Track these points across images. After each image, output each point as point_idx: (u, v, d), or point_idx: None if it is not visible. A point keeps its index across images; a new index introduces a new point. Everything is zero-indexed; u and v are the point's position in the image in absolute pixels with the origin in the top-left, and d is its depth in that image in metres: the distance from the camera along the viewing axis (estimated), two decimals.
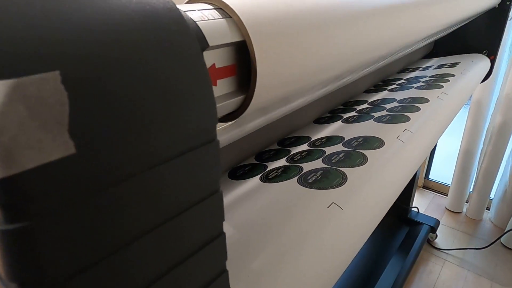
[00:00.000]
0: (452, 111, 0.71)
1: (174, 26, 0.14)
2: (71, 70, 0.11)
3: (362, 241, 0.40)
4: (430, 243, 1.52)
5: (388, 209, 0.47)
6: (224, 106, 0.22)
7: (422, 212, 1.61)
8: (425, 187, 1.91)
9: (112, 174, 0.12)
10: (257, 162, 0.54)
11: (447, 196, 1.76)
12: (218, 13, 0.21)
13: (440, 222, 1.64)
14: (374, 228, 0.49)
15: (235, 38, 0.20)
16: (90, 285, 0.12)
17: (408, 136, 0.55)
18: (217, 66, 0.21)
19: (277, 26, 0.22)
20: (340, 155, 0.49)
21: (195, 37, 0.15)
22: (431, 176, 1.90)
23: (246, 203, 0.41)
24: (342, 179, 0.43)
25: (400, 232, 1.47)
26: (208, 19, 0.20)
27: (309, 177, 0.44)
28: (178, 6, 0.17)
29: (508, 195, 1.52)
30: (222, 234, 0.20)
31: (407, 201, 1.50)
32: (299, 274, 0.31)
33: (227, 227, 0.36)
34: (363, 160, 0.48)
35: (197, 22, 0.19)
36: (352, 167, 0.46)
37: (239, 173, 0.51)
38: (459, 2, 0.64)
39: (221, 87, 0.22)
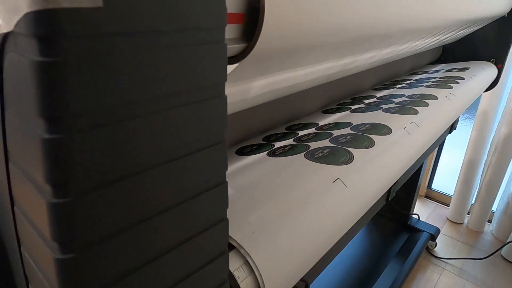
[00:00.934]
0: (457, 112, 0.74)
1: None
2: None
3: (358, 217, 0.42)
4: (429, 251, 1.54)
5: (384, 192, 0.50)
6: (228, 49, 0.25)
7: (423, 220, 1.62)
8: (427, 196, 1.93)
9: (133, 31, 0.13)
10: (264, 142, 0.57)
11: (448, 206, 1.78)
12: None
13: (441, 232, 1.65)
14: (370, 207, 0.52)
15: None
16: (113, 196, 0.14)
17: (414, 128, 0.58)
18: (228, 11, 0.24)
19: None
20: (348, 137, 0.52)
21: None
22: (433, 186, 1.92)
23: (253, 171, 0.43)
24: (349, 158, 0.46)
25: (400, 238, 1.48)
26: None
27: (316, 153, 0.47)
28: None
29: (511, 208, 1.54)
30: (224, 183, 0.22)
31: (408, 208, 1.52)
32: (297, 232, 0.34)
33: (233, 188, 0.39)
34: (370, 143, 0.51)
35: None
36: (359, 148, 0.49)
37: (247, 150, 0.54)
38: (470, 2, 0.68)
39: (228, 31, 0.24)
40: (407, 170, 0.89)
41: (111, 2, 0.12)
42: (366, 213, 0.74)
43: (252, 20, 0.25)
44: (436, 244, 1.56)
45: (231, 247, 0.32)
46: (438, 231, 1.53)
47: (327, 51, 0.37)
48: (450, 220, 1.75)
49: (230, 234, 0.30)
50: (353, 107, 0.71)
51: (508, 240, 1.49)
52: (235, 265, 0.31)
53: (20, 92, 0.13)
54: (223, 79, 0.18)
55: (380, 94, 0.79)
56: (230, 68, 0.26)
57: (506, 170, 1.54)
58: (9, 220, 0.17)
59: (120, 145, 0.14)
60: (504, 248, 1.51)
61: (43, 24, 0.11)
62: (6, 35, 0.13)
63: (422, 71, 1.08)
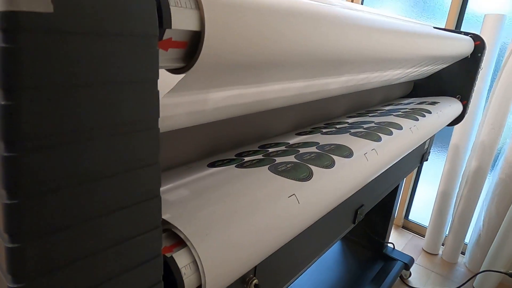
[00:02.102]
0: (414, 145, 0.78)
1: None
2: None
3: (297, 233, 0.45)
4: (403, 280, 1.55)
5: (326, 212, 0.52)
6: (169, 65, 0.28)
7: (398, 249, 1.65)
8: (404, 227, 1.96)
9: (75, 35, 0.17)
10: (236, 157, 0.60)
11: (424, 237, 1.81)
12: (190, 3, 0.27)
13: (416, 262, 1.67)
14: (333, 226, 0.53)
15: (194, 28, 0.27)
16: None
17: (373, 156, 0.62)
18: (173, 39, 0.27)
19: (229, 22, 0.29)
20: (312, 155, 0.56)
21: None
22: (410, 217, 1.96)
23: (216, 178, 0.46)
24: (308, 175, 0.49)
25: (375, 265, 1.50)
26: (181, 6, 0.26)
27: (280, 166, 0.51)
28: None
29: (482, 241, 1.58)
30: (157, 163, 0.25)
31: (383, 236, 1.55)
32: (241, 234, 0.36)
33: (192, 188, 0.42)
34: (331, 163, 0.54)
35: (170, 7, 0.25)
36: (320, 167, 0.52)
37: (218, 163, 0.57)
38: (427, 43, 0.75)
39: (171, 53, 0.28)
40: (375, 196, 0.93)
41: (59, 9, 0.16)
42: (331, 233, 0.76)
43: (195, 41, 0.29)
44: (410, 274, 1.57)
45: (182, 244, 0.34)
46: (412, 260, 1.55)
47: (276, 73, 0.41)
48: (426, 251, 1.77)
49: (180, 227, 0.32)
50: (324, 130, 0.75)
51: (478, 271, 1.52)
52: (183, 263, 0.33)
53: None
54: (156, 75, 0.21)
55: (352, 121, 0.84)
56: (178, 77, 0.30)
57: (476, 203, 1.60)
58: None
59: (63, 113, 0.18)
60: (476, 279, 1.54)
61: (6, 21, 0.15)
62: None
63: (396, 102, 1.14)
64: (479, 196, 1.58)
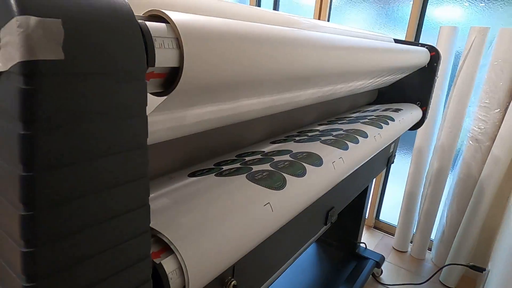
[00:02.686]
0: (377, 151, 0.85)
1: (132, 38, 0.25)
2: (65, 21, 0.21)
3: (264, 237, 0.49)
4: (375, 278, 1.63)
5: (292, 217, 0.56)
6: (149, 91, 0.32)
7: (370, 249, 1.73)
8: (375, 227, 2.06)
9: (82, 76, 0.21)
10: (215, 167, 0.64)
11: (394, 236, 1.91)
12: (172, 43, 0.31)
13: (387, 260, 1.76)
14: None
15: (174, 65, 0.31)
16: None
17: (339, 165, 0.68)
18: (155, 72, 0.31)
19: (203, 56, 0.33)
20: (286, 163, 0.61)
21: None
22: (381, 217, 2.06)
23: (196, 185, 0.50)
24: (282, 183, 0.54)
25: (349, 265, 1.57)
26: (163, 47, 0.30)
27: (256, 175, 0.55)
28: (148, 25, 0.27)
29: (445, 237, 1.69)
30: (145, 177, 0.28)
31: (356, 236, 1.62)
32: (219, 237, 0.40)
33: (174, 197, 0.45)
34: (303, 171, 0.59)
35: (155, 49, 0.29)
36: (293, 175, 0.57)
37: (198, 173, 0.60)
38: (386, 56, 0.82)
39: (152, 82, 0.32)
40: (344, 198, 0.99)
41: (69, 56, 0.20)
42: (305, 234, 0.81)
43: (173, 73, 0.32)
44: (382, 271, 1.66)
45: (169, 250, 0.38)
46: (383, 258, 1.63)
47: (248, 91, 0.46)
48: (395, 249, 1.87)
49: (164, 233, 0.36)
50: (297, 138, 0.80)
51: (443, 265, 1.62)
52: (171, 268, 0.36)
53: (6, 107, 0.20)
54: (144, 102, 0.25)
55: (323, 128, 0.90)
56: (161, 99, 0.34)
57: (440, 201, 1.71)
58: None
59: (71, 139, 0.21)
60: (441, 273, 1.64)
61: (26, 68, 0.19)
62: (1, 73, 0.20)
63: (363, 110, 1.22)
64: (441, 195, 1.70)
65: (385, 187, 2.02)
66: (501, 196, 1.53)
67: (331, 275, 1.51)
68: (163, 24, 0.29)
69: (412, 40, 1.74)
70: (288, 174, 0.56)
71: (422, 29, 1.73)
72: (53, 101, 0.20)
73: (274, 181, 0.51)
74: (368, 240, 1.93)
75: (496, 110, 1.46)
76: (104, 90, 0.22)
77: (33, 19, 0.18)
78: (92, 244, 0.24)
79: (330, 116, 1.10)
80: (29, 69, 0.18)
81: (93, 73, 0.21)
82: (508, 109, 1.42)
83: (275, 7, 2.21)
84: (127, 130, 0.24)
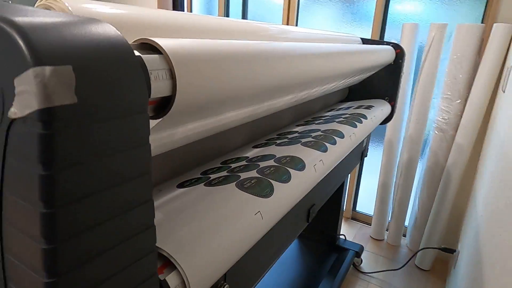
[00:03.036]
0: (352, 148, 0.90)
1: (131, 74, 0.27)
2: (75, 66, 0.23)
3: (254, 243, 0.52)
4: (356, 267, 1.70)
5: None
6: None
7: (350, 240, 1.80)
8: (353, 218, 2.14)
9: (98, 114, 0.23)
10: (202, 176, 0.66)
11: (371, 225, 2.00)
12: (166, 74, 0.33)
13: (366, 249, 1.85)
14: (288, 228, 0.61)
15: (166, 94, 0.33)
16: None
17: (320, 167, 0.72)
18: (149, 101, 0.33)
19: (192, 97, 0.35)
20: (271, 169, 0.63)
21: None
22: (358, 208, 2.15)
23: (188, 198, 0.52)
24: (270, 191, 0.57)
25: (330, 257, 1.63)
26: (158, 79, 0.32)
27: (245, 183, 0.57)
28: (144, 57, 0.29)
29: (418, 222, 1.79)
30: (150, 200, 0.30)
31: (335, 229, 1.69)
32: (216, 244, 0.43)
33: (167, 210, 0.47)
34: (288, 177, 0.62)
35: (151, 82, 0.31)
36: (279, 181, 0.60)
37: (186, 184, 0.62)
38: (355, 58, 0.87)
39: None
40: (324, 194, 1.04)
41: (81, 99, 0.22)
42: (289, 233, 0.85)
43: (165, 100, 0.35)
44: (361, 261, 1.73)
45: (171, 265, 0.40)
46: (362, 248, 1.71)
47: (232, 106, 0.48)
48: (373, 238, 1.96)
49: (163, 247, 0.38)
50: (278, 141, 0.83)
51: (417, 250, 1.72)
52: (174, 284, 0.38)
53: (23, 149, 0.21)
54: (147, 132, 0.27)
55: (301, 129, 0.93)
56: (152, 122, 0.36)
57: (411, 190, 1.81)
58: None
59: (85, 174, 0.23)
60: (416, 257, 1.75)
61: (44, 115, 0.20)
62: (15, 118, 0.21)
63: (337, 108, 1.27)
64: (412, 184, 1.80)
65: (360, 179, 2.10)
66: (466, 181, 1.64)
67: (314, 269, 1.57)
68: (157, 56, 0.31)
69: (378, 35, 1.82)
70: (275, 180, 0.59)
71: (387, 25, 1.82)
72: (69, 142, 0.21)
73: (262, 189, 0.54)
74: (346, 231, 2.01)
75: (457, 101, 1.57)
76: (112, 126, 0.24)
77: (47, 69, 0.20)
78: (105, 238, 0.26)
79: (306, 116, 1.15)
80: (47, 115, 0.20)
81: (102, 112, 0.23)
82: (468, 100, 1.52)
83: (244, 7, 2.23)
84: (135, 160, 0.26)
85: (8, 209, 0.23)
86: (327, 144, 0.77)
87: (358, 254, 1.66)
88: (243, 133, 0.84)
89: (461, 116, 1.56)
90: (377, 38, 1.83)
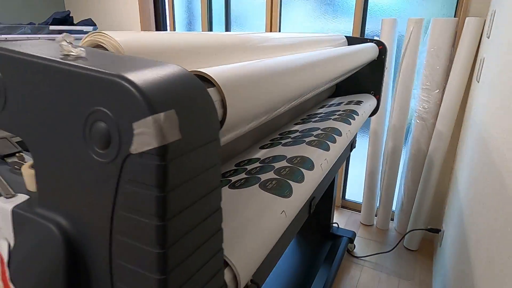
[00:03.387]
0: (346, 145, 0.99)
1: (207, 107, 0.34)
2: (177, 110, 0.29)
3: (278, 238, 0.60)
4: (350, 252, 1.81)
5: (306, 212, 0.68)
6: None
7: (342, 227, 1.92)
8: (343, 206, 2.26)
9: (192, 144, 0.30)
10: (222, 179, 0.72)
11: (360, 212, 2.12)
12: (219, 104, 0.40)
13: (357, 234, 1.96)
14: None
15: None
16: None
17: (325, 165, 0.80)
18: None
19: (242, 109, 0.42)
20: (287, 169, 0.70)
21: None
22: (347, 197, 2.26)
23: (223, 202, 0.58)
24: (289, 191, 0.64)
25: (325, 245, 1.73)
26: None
27: (267, 184, 0.64)
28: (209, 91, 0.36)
29: (405, 206, 1.93)
30: (220, 208, 0.37)
31: (328, 218, 1.79)
32: (251, 244, 0.50)
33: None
34: (302, 178, 0.70)
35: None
36: (296, 182, 0.67)
37: None
38: (348, 60, 0.95)
39: None
40: (322, 187, 1.13)
41: (183, 135, 0.28)
42: (294, 226, 0.93)
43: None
44: (354, 246, 1.85)
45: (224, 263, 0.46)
46: (355, 234, 1.82)
47: (263, 116, 0.55)
48: (363, 224, 2.08)
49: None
50: (283, 141, 0.91)
51: (405, 232, 1.86)
52: (228, 279, 0.45)
53: (139, 177, 0.27)
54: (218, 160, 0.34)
55: (301, 128, 1.01)
56: None
57: (397, 176, 1.93)
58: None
59: (188, 190, 0.30)
60: (405, 239, 1.88)
61: (161, 150, 0.27)
62: (130, 153, 0.27)
63: (328, 104, 1.36)
64: (398, 170, 1.92)
65: (348, 169, 2.22)
66: (447, 165, 1.78)
67: (311, 258, 1.66)
68: (213, 89, 0.37)
69: (359, 29, 1.92)
70: (291, 180, 0.67)
71: (367, 19, 1.91)
72: (175, 170, 0.27)
73: (283, 190, 0.61)
74: (337, 219, 2.12)
75: (436, 91, 1.69)
76: (199, 153, 0.30)
77: (162, 115, 0.26)
78: (196, 238, 0.33)
79: (300, 113, 1.22)
80: (163, 151, 0.26)
81: (194, 142, 0.29)
82: (446, 89, 1.65)
83: (227, 6, 2.27)
84: (212, 177, 0.32)
85: (120, 223, 0.29)
86: (328, 143, 0.85)
87: (351, 240, 1.78)
88: (248, 135, 0.90)
89: (440, 105, 1.69)
90: (358, 31, 1.93)
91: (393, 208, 2.05)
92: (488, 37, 1.35)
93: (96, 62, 0.30)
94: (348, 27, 1.97)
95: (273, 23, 2.13)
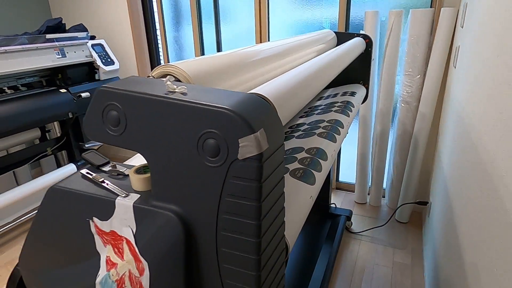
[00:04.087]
0: (345, 136, 1.15)
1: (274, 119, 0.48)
2: (264, 128, 0.44)
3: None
4: (348, 229, 2.01)
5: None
6: None
7: (339, 207, 2.11)
8: (338, 188, 2.45)
9: (272, 150, 0.45)
10: None
11: (354, 192, 2.31)
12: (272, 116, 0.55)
13: (353, 212, 2.16)
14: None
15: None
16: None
17: (333, 155, 0.96)
18: None
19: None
20: (308, 160, 0.86)
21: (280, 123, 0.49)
22: (340, 179, 2.46)
23: None
24: (314, 179, 0.79)
25: (325, 225, 1.92)
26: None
27: (296, 173, 0.79)
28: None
29: (395, 183, 2.13)
30: (283, 193, 0.53)
31: (327, 200, 1.98)
32: (293, 223, 0.65)
33: None
34: (321, 167, 0.85)
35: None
36: (316, 171, 0.82)
37: None
38: (345, 58, 1.11)
39: None
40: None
41: (270, 145, 0.43)
42: None
43: None
44: (352, 223, 2.05)
45: None
46: (351, 212, 2.02)
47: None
48: (357, 202, 2.28)
49: None
50: (295, 134, 1.06)
51: (397, 207, 2.06)
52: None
53: (242, 174, 0.42)
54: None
55: (307, 120, 1.16)
56: None
57: (386, 156, 2.13)
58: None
59: (271, 181, 0.45)
60: (396, 213, 2.09)
61: (259, 156, 0.41)
62: (237, 159, 0.42)
63: (324, 96, 1.51)
64: (386, 151, 2.11)
65: (340, 153, 2.40)
66: (431, 143, 1.98)
67: (314, 236, 1.85)
68: (271, 107, 0.52)
69: (344, 18, 2.07)
70: (313, 170, 0.82)
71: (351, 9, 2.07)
72: (265, 169, 0.42)
73: (309, 178, 0.77)
74: (334, 200, 2.32)
75: (418, 76, 1.87)
76: (276, 156, 0.45)
77: (258, 133, 0.40)
78: (274, 214, 0.48)
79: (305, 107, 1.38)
80: (260, 156, 0.41)
81: (273, 149, 0.44)
82: (426, 75, 1.83)
83: (216, 4, 2.38)
84: (280, 174, 0.47)
85: (225, 206, 0.44)
86: (334, 134, 1.01)
87: (348, 218, 1.97)
88: None
89: (422, 89, 1.87)
90: (343, 20, 2.08)
91: (384, 186, 2.25)
92: (462, 27, 1.53)
93: (197, 96, 0.44)
94: (334, 12, 2.11)
95: (262, 15, 2.25)
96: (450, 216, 1.30)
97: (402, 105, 1.96)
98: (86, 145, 2.26)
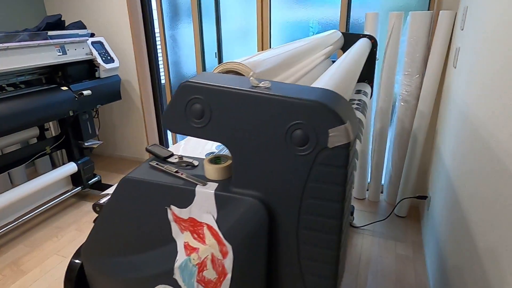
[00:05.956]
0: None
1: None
2: (349, 121, 0.49)
3: None
4: (351, 224, 2.09)
5: None
6: None
7: None
8: None
9: (353, 139, 0.50)
10: None
11: (353, 188, 2.40)
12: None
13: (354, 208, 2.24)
14: None
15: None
16: None
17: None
18: None
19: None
20: None
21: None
22: None
23: None
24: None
25: None
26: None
27: None
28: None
29: (393, 179, 2.22)
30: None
31: None
32: None
33: None
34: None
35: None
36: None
37: None
38: (362, 59, 1.17)
39: None
40: None
41: (352, 137, 0.48)
42: None
43: None
44: (353, 218, 2.12)
45: None
46: (353, 208, 2.10)
47: None
48: (357, 198, 2.37)
49: None
50: None
51: (396, 203, 2.16)
52: None
53: (331, 161, 0.47)
54: None
55: None
56: None
57: (385, 153, 2.22)
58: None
59: (350, 168, 0.50)
60: (396, 208, 2.18)
61: (348, 145, 0.46)
62: (326, 147, 0.46)
63: None
64: (385, 148, 2.21)
65: None
66: (429, 140, 2.08)
67: None
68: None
69: (345, 18, 2.15)
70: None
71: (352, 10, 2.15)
72: (350, 155, 0.47)
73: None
74: None
75: (416, 76, 1.97)
76: (354, 143, 0.50)
77: (347, 124, 0.45)
78: (349, 194, 0.53)
79: None
80: (348, 144, 0.46)
81: (354, 137, 0.49)
82: (425, 75, 1.93)
83: (217, 2, 2.40)
84: (354, 155, 0.52)
85: (310, 191, 0.48)
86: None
87: (351, 212, 2.04)
88: None
89: (420, 88, 1.97)
90: (344, 20, 2.16)
91: (383, 182, 2.35)
92: (462, 29, 1.63)
93: (281, 90, 0.49)
94: (335, 13, 2.19)
95: (264, 14, 2.30)
96: (457, 207, 1.39)
97: (401, 103, 2.05)
98: (86, 144, 2.25)
